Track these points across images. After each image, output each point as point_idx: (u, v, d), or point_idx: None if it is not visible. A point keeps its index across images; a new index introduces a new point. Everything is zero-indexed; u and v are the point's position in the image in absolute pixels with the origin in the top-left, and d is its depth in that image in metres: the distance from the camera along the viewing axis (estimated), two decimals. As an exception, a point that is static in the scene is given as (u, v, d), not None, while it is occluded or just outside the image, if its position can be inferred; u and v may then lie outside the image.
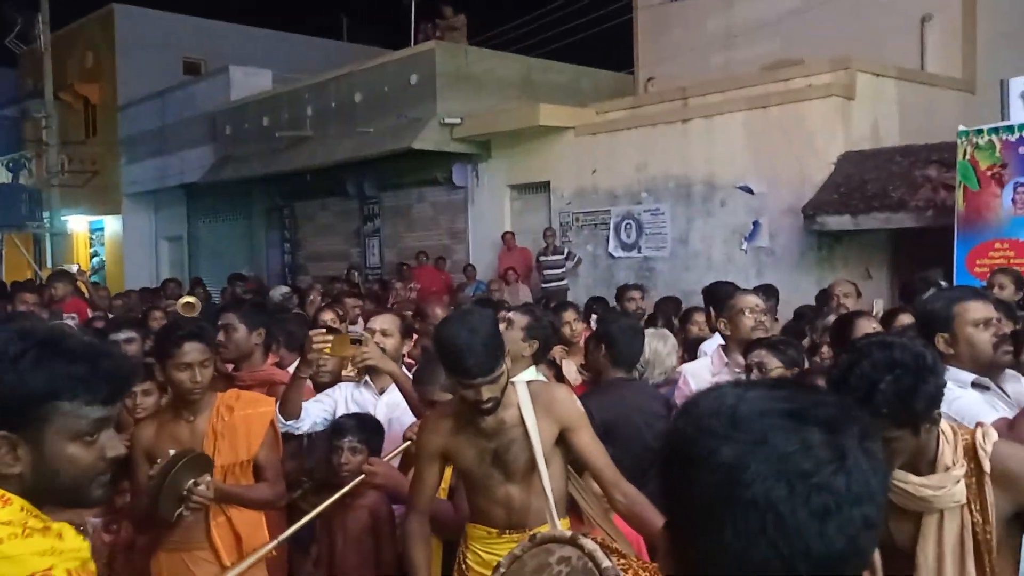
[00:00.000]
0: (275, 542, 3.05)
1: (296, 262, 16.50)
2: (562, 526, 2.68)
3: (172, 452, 2.93)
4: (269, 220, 17.28)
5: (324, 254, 15.84)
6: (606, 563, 2.25)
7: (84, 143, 20.73)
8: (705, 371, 3.97)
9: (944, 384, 1.99)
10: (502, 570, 2.41)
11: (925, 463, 2.01)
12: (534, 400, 2.71)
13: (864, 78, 9.62)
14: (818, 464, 0.89)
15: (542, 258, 11.66)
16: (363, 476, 3.21)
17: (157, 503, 2.87)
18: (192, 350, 3.09)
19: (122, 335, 5.04)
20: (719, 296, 5.41)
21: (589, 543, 2.37)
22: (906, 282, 6.80)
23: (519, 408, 2.69)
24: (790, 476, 0.87)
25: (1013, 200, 7.33)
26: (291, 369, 4.60)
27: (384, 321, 3.94)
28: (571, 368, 4.60)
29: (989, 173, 7.45)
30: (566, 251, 11.67)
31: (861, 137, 9.61)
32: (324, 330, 3.60)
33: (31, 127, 21.32)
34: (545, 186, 12.32)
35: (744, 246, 10.22)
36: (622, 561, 2.45)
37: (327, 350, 3.37)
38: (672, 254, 10.91)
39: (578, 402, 2.86)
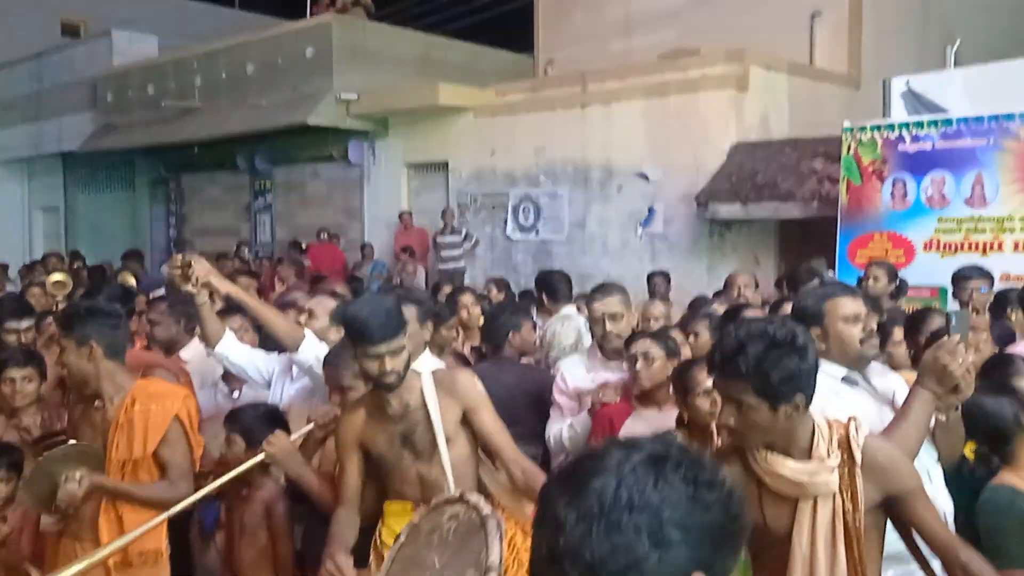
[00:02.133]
0: (154, 522, 2.93)
1: (182, 237, 15.88)
2: None
3: (72, 442, 2.97)
4: (153, 193, 16.57)
5: (212, 229, 15.29)
6: (487, 510, 2.35)
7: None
8: (580, 368, 3.96)
9: (811, 370, 2.05)
10: (402, 539, 2.54)
11: (799, 451, 2.09)
12: (437, 384, 2.86)
13: (756, 70, 9.87)
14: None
15: (439, 239, 11.56)
16: (261, 456, 3.12)
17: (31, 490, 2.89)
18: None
19: (23, 323, 4.73)
20: (551, 283, 5.66)
21: (473, 496, 2.49)
22: (792, 272, 7.03)
23: (422, 392, 2.83)
24: None
25: (892, 195, 7.66)
26: (186, 354, 4.52)
27: (316, 303, 4.08)
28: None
29: (871, 168, 7.76)
30: (464, 232, 11.60)
31: (752, 128, 9.87)
32: (180, 256, 3.63)
33: None
34: (443, 166, 12.21)
35: (639, 232, 10.38)
36: (506, 514, 2.59)
37: (176, 272, 3.49)
38: (569, 238, 10.99)
39: (479, 385, 2.97)
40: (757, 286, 6.30)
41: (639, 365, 3.49)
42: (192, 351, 4.59)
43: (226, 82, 13.68)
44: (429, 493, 2.81)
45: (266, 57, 13.13)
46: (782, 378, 1.99)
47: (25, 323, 4.77)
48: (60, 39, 18.54)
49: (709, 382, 2.97)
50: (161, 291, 7.00)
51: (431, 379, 2.89)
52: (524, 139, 11.24)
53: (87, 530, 3.10)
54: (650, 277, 8.06)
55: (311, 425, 3.24)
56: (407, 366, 2.80)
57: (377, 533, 2.95)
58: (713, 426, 2.99)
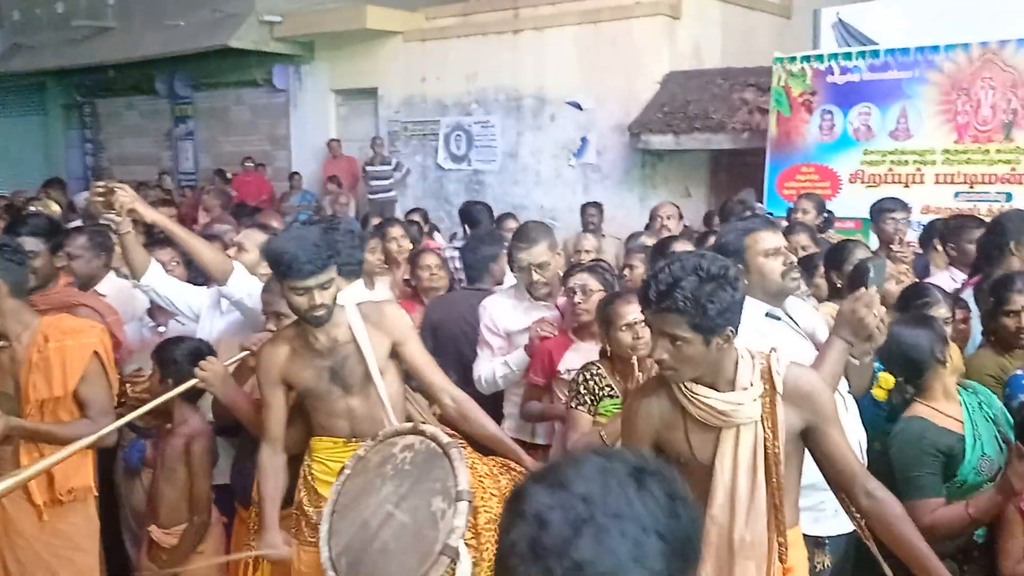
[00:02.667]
0: (71, 448, 2.84)
1: (100, 165, 15.25)
2: None
3: None
4: (67, 118, 15.83)
5: (131, 157, 14.71)
6: (446, 439, 2.37)
7: None
8: (508, 306, 3.90)
9: (741, 302, 2.10)
10: (348, 471, 2.56)
11: (724, 381, 2.14)
12: (364, 317, 2.84)
13: (690, -2, 9.77)
14: None
15: (369, 168, 11.32)
16: (194, 381, 3.04)
17: None
18: None
19: None
20: (472, 214, 5.65)
21: (430, 427, 2.55)
22: (723, 204, 7.07)
23: (350, 326, 2.81)
24: None
25: (820, 127, 7.73)
26: (103, 288, 4.35)
27: (245, 236, 4.01)
28: (384, 287, 4.56)
29: (800, 100, 7.79)
30: (394, 162, 11.37)
31: (685, 57, 9.80)
32: (102, 183, 3.48)
33: None
34: (372, 93, 11.88)
35: (572, 162, 10.32)
36: (459, 440, 2.58)
37: (97, 201, 3.38)
38: (502, 168, 10.86)
39: (406, 317, 3.01)
40: (681, 217, 6.31)
41: (577, 298, 3.48)
42: (109, 285, 4.43)
43: (141, 1, 13.00)
44: (361, 427, 2.82)
45: (183, -26, 12.50)
46: (718, 311, 2.02)
47: None
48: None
49: (631, 316, 3.00)
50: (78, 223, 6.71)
51: (358, 313, 2.86)
52: (455, 65, 10.98)
53: (9, 471, 2.97)
54: (583, 208, 8.04)
55: (245, 352, 3.18)
56: (335, 300, 2.77)
57: (306, 468, 2.93)
58: (635, 359, 3.00)
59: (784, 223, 5.30)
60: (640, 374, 2.97)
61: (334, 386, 2.84)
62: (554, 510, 0.96)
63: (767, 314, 2.85)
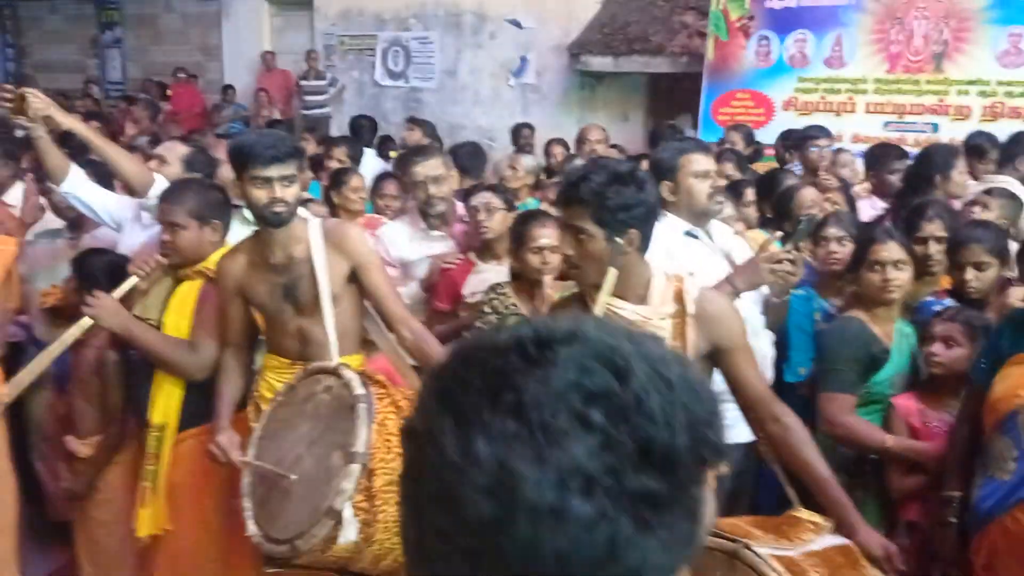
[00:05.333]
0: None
1: (22, 71, 14.53)
2: (354, 362, 2.74)
3: None
4: (-14, 21, 15.02)
5: (56, 64, 14.05)
6: (359, 391, 2.39)
7: None
8: (404, 236, 3.83)
9: (649, 207, 2.17)
10: (279, 398, 2.59)
11: (635, 296, 2.19)
12: (325, 237, 2.72)
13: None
14: None
15: (303, 82, 11.02)
16: (84, 320, 2.91)
17: None
18: None
19: None
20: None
21: (348, 372, 2.51)
22: (655, 129, 7.08)
23: (309, 245, 2.68)
24: None
25: (756, 52, 7.74)
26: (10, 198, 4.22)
27: (166, 148, 3.93)
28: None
29: (738, 24, 7.78)
30: (328, 77, 11.08)
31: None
32: (11, 88, 3.39)
33: None
34: (308, 4, 11.49)
35: (511, 82, 10.19)
36: (381, 391, 2.56)
37: (7, 107, 3.29)
38: (440, 86, 10.68)
39: (370, 242, 2.92)
40: (609, 142, 6.29)
41: (481, 215, 3.49)
42: (16, 195, 4.30)
43: None
44: (310, 351, 2.75)
45: None
46: (619, 205, 2.09)
47: None
48: None
49: (543, 239, 3.03)
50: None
51: (319, 230, 2.73)
52: (394, -23, 10.66)
53: None
54: (516, 129, 8.00)
55: (133, 279, 3.01)
56: (296, 204, 2.67)
57: (256, 382, 2.90)
58: (544, 281, 3.04)
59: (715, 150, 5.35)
60: (547, 293, 3.01)
61: (286, 304, 2.75)
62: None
63: (687, 232, 2.93)
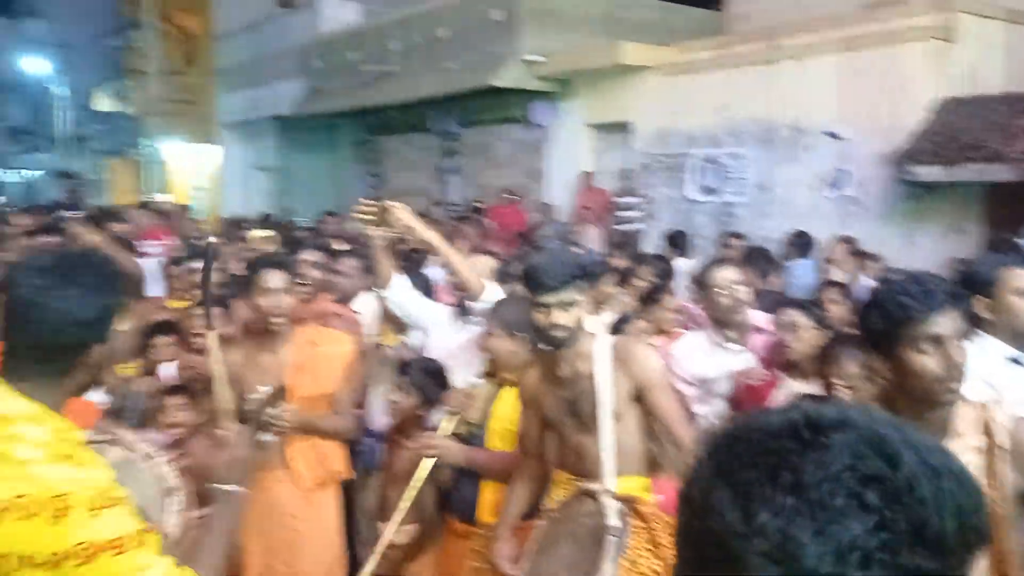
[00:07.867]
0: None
1: (379, 196, 16.60)
2: (636, 483, 2.72)
3: (263, 388, 3.13)
4: (356, 154, 17.48)
5: (407, 189, 15.90)
6: (612, 522, 2.32)
7: (182, 73, 21.28)
8: (697, 350, 3.78)
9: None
10: (555, 514, 2.63)
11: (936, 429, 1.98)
12: (613, 355, 2.73)
13: (967, 19, 9.03)
14: None
15: (618, 200, 11.51)
16: (430, 463, 3.23)
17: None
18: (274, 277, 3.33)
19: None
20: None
21: (606, 500, 2.44)
22: (990, 241, 6.47)
23: (594, 361, 2.71)
24: None
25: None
26: (357, 305, 4.89)
27: (473, 261, 4.43)
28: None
29: (1094, 125, 6.95)
30: (642, 194, 11.47)
31: (958, 82, 9.06)
32: (372, 201, 3.82)
33: (132, 56, 21.97)
34: (624, 126, 12.09)
35: (829, 193, 9.86)
36: (641, 525, 2.49)
37: (367, 218, 3.64)
38: (752, 199, 10.61)
39: (658, 361, 2.89)
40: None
41: (788, 336, 3.41)
42: (363, 302, 4.93)
43: (421, 46, 14.11)
44: (586, 467, 2.74)
45: (456, 21, 13.44)
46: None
47: None
48: (275, 9, 19.79)
49: (852, 368, 2.88)
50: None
51: (608, 347, 2.74)
52: (707, 98, 10.89)
53: (274, 462, 3.45)
54: (837, 241, 7.74)
55: (457, 417, 3.26)
56: (579, 325, 2.69)
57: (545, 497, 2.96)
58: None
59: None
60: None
61: (568, 419, 2.79)
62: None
63: (1010, 358, 2.65)
